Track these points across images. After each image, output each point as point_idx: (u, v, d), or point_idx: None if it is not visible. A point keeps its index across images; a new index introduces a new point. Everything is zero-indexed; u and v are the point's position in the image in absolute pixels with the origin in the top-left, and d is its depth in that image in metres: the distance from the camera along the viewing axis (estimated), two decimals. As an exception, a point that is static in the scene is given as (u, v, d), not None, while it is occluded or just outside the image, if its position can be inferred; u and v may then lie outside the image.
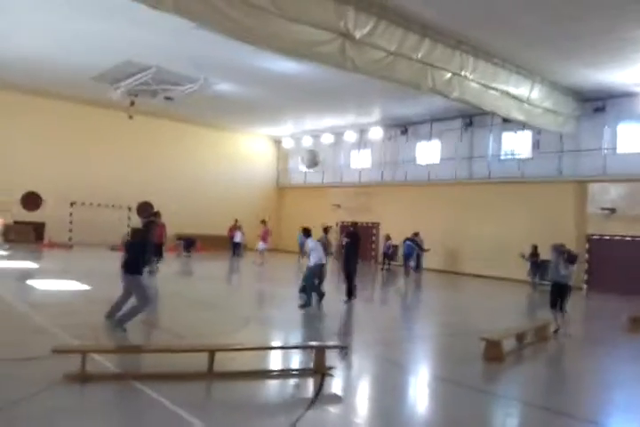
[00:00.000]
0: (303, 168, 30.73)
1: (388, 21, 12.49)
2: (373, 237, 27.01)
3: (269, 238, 23.22)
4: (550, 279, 10.47)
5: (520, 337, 8.62)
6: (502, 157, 22.66)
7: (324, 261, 11.73)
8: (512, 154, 22.38)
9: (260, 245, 22.03)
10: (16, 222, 23.96)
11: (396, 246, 23.69)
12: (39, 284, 12.04)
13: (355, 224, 14.62)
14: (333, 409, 5.29)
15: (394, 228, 24.49)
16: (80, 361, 5.35)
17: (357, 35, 11.78)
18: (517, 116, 16.77)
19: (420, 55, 13.26)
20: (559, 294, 9.99)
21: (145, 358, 6.26)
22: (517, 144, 22.17)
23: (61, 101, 24.74)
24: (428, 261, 22.76)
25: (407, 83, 13.55)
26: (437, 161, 24.87)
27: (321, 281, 12.16)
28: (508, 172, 21.77)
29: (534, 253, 18.59)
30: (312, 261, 11.55)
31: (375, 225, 27.09)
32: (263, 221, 23.15)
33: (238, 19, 9.50)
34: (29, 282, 12.24)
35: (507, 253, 20.23)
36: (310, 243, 11.90)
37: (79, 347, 6.14)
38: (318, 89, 20.20)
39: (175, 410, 4.73)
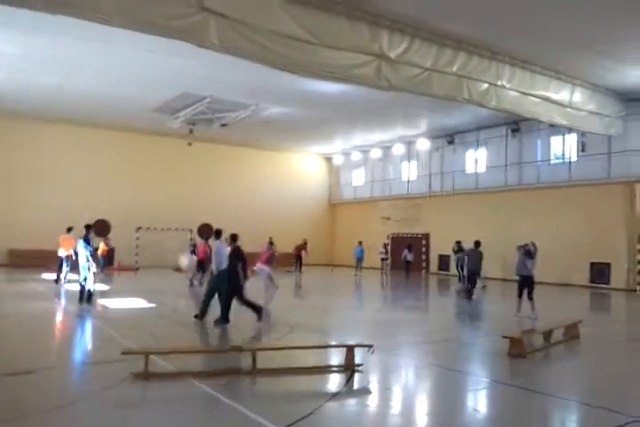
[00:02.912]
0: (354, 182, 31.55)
1: (422, 39, 13.13)
2: (424, 249, 27.32)
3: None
4: (517, 273, 12.29)
5: (547, 335, 8.96)
6: (552, 162, 22.69)
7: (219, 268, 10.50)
8: (562, 158, 22.37)
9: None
10: (89, 247, 25.78)
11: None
12: (110, 302, 13.22)
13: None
14: (355, 400, 6.00)
15: (444, 238, 24.77)
16: (143, 362, 6.25)
17: (392, 55, 12.48)
18: (560, 120, 16.88)
19: (455, 68, 13.77)
20: (526, 285, 11.96)
21: (199, 359, 7.14)
22: (566, 148, 22.17)
23: (124, 133, 26.67)
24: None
25: (443, 96, 14.05)
26: (484, 169, 25.09)
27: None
28: (557, 176, 21.81)
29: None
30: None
31: (425, 236, 27.40)
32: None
33: (280, 51, 10.45)
34: (101, 301, 13.41)
35: (558, 257, 20.25)
36: (216, 247, 10.77)
37: (142, 349, 7.03)
38: (365, 106, 20.95)
39: (226, 401, 5.51)
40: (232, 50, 10.23)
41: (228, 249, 10.70)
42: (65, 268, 17.06)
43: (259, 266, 16.20)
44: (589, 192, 20.47)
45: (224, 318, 10.15)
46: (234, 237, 10.84)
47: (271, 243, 17.19)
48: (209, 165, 29.31)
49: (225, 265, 10.48)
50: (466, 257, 16.67)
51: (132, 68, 17.09)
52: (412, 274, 25.09)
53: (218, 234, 11.04)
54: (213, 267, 10.66)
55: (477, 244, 16.04)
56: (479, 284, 19.78)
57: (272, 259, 16.25)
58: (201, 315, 10.46)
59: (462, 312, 14.23)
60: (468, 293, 15.70)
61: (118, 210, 26.08)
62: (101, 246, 21.96)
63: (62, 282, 16.91)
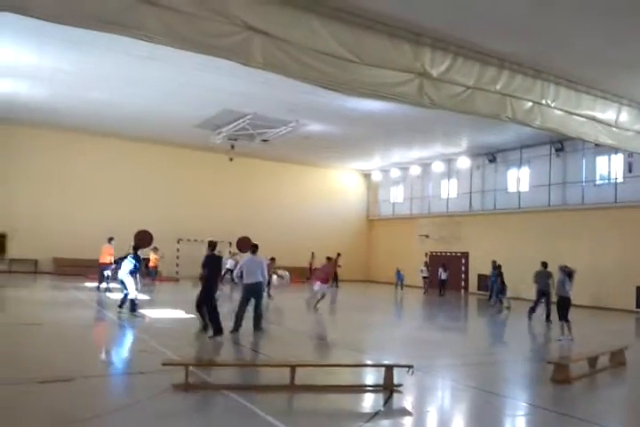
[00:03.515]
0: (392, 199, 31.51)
1: (465, 58, 13.04)
2: (462, 268, 26.90)
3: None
4: (557, 294, 12.17)
5: (592, 361, 8.66)
6: (597, 182, 22.15)
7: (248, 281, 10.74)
8: (607, 178, 21.82)
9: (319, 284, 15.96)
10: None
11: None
12: (150, 312, 13.42)
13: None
14: (394, 421, 5.91)
15: (483, 257, 24.34)
16: (184, 374, 6.29)
17: (434, 73, 12.43)
18: (606, 140, 16.43)
19: (498, 87, 13.60)
20: (565, 307, 11.73)
21: (237, 372, 7.17)
22: (612, 168, 21.63)
23: (168, 147, 27.32)
24: (519, 290, 22.53)
25: (486, 115, 13.87)
26: (527, 188, 24.65)
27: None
28: (602, 197, 21.24)
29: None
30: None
31: (464, 255, 26.97)
32: (329, 258, 17.62)
33: (322, 69, 10.54)
34: (141, 311, 13.60)
35: (603, 280, 19.64)
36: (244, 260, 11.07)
37: (183, 361, 7.13)
38: (405, 123, 20.89)
39: (264, 416, 5.47)
40: (275, 68, 10.37)
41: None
42: (105, 276, 17.57)
43: (318, 284, 15.70)
44: (637, 214, 19.84)
45: (217, 331, 9.93)
46: (211, 245, 10.65)
47: (329, 258, 16.85)
48: (249, 179, 29.71)
49: (257, 278, 10.65)
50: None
51: (177, 84, 17.53)
52: (450, 293, 24.77)
53: (254, 248, 11.15)
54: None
55: (545, 264, 15.83)
56: (505, 303, 19.38)
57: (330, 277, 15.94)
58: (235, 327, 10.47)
59: (502, 334, 13.91)
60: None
61: (160, 222, 26.58)
62: (152, 257, 22.41)
63: (103, 290, 17.37)
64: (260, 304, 10.95)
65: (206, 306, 10.24)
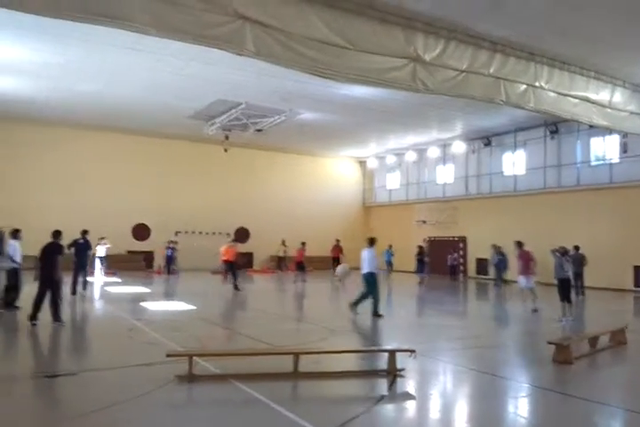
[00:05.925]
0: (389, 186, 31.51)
1: (458, 42, 13.01)
2: (461, 252, 27.01)
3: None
4: (556, 277, 12.15)
5: (593, 341, 8.78)
6: (593, 163, 22.19)
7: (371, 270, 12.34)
8: (602, 159, 21.87)
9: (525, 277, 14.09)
10: (129, 252, 26.34)
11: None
12: (151, 305, 13.49)
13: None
14: (399, 405, 5.97)
15: (481, 241, 24.45)
16: (187, 365, 6.36)
17: (427, 57, 12.39)
18: (600, 121, 16.45)
19: (491, 70, 13.58)
20: (567, 288, 11.95)
21: (241, 362, 7.20)
22: (607, 149, 21.66)
23: (162, 139, 27.16)
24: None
25: (480, 98, 13.87)
26: (523, 171, 24.67)
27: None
28: (597, 178, 21.30)
29: None
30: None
31: (462, 239, 27.07)
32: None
33: (314, 57, 10.50)
34: (143, 304, 13.72)
35: (601, 261, 19.76)
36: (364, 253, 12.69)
37: (187, 352, 7.19)
38: (399, 109, 20.84)
39: (270, 404, 5.54)
40: (268, 56, 10.32)
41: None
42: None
43: (521, 277, 14.06)
44: (632, 194, 19.92)
45: (58, 318, 10.00)
46: (55, 235, 10.52)
47: (522, 246, 14.48)
48: (244, 169, 29.62)
49: (367, 269, 12.25)
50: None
51: (167, 75, 17.38)
52: (451, 278, 24.98)
53: (372, 242, 12.64)
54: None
55: (577, 248, 16.78)
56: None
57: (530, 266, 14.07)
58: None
59: (504, 317, 14.00)
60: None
61: (157, 215, 26.65)
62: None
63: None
64: (366, 291, 12.25)
65: (51, 296, 10.08)
